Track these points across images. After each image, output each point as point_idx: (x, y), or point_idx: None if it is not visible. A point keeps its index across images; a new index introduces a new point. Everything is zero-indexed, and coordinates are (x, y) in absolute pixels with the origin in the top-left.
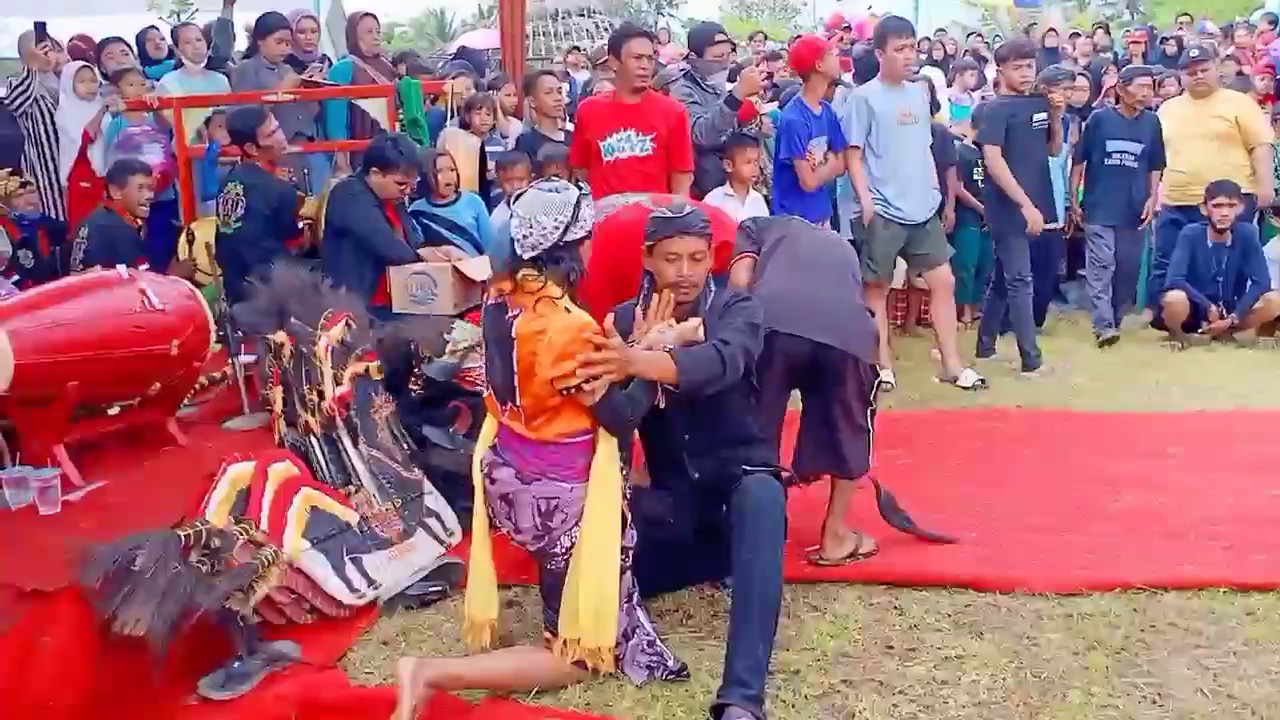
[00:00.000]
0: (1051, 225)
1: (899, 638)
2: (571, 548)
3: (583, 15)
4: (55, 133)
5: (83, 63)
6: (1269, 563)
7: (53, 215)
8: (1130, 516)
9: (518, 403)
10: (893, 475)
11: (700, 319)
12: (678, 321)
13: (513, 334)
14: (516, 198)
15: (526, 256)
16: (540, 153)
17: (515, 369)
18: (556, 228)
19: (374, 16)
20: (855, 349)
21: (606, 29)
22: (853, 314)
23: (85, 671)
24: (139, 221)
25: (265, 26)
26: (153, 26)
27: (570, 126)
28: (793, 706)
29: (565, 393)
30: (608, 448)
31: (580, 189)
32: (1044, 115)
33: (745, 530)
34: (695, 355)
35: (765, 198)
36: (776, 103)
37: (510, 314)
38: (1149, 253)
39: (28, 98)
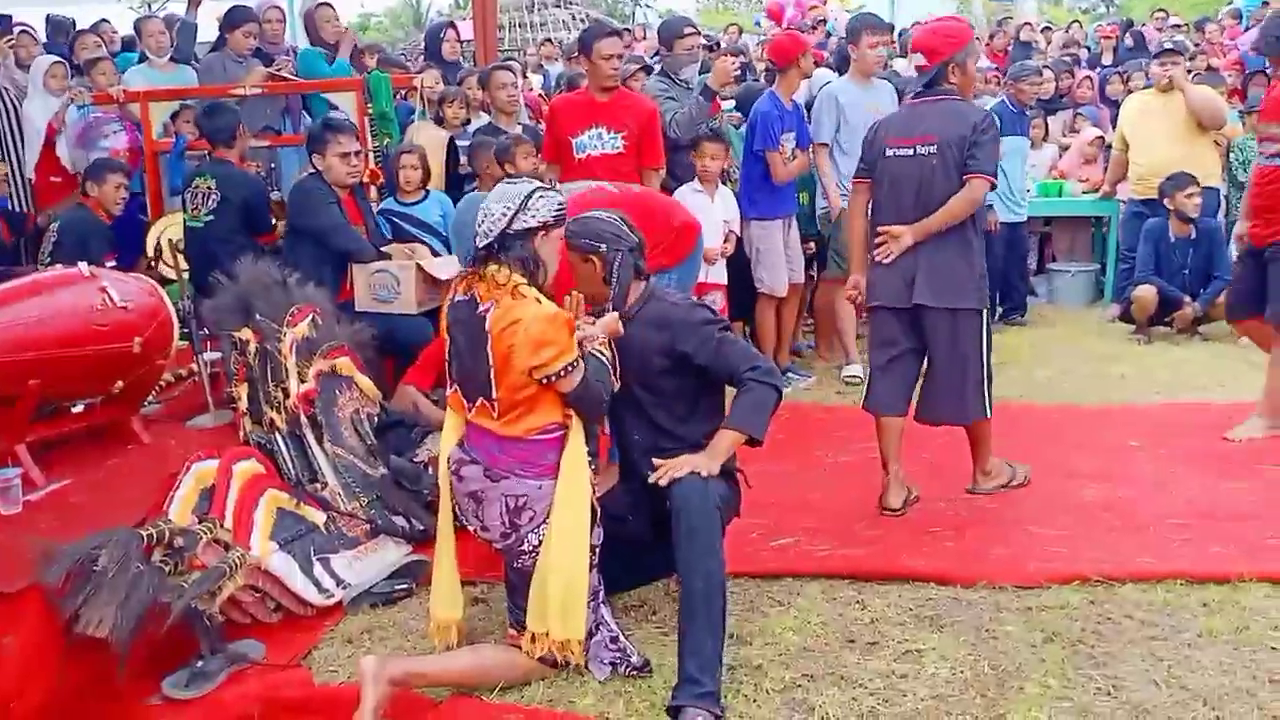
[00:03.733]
0: (1014, 219)
1: (860, 631)
2: (539, 546)
3: (558, 6)
4: (19, 125)
5: (55, 58)
6: (1226, 555)
7: (13, 207)
8: (1091, 509)
9: (492, 397)
10: (862, 469)
11: (617, 312)
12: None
13: (486, 328)
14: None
15: (481, 245)
16: (505, 137)
17: (491, 363)
18: (504, 215)
19: (330, 5)
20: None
21: (583, 20)
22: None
23: (48, 672)
24: (110, 218)
25: (233, 20)
26: (104, 20)
27: (527, 120)
28: (754, 701)
29: (545, 381)
30: (577, 441)
31: (544, 185)
32: None
33: (679, 528)
34: (755, 407)
35: (733, 193)
36: (733, 100)
37: (481, 309)
38: (1115, 247)
39: None
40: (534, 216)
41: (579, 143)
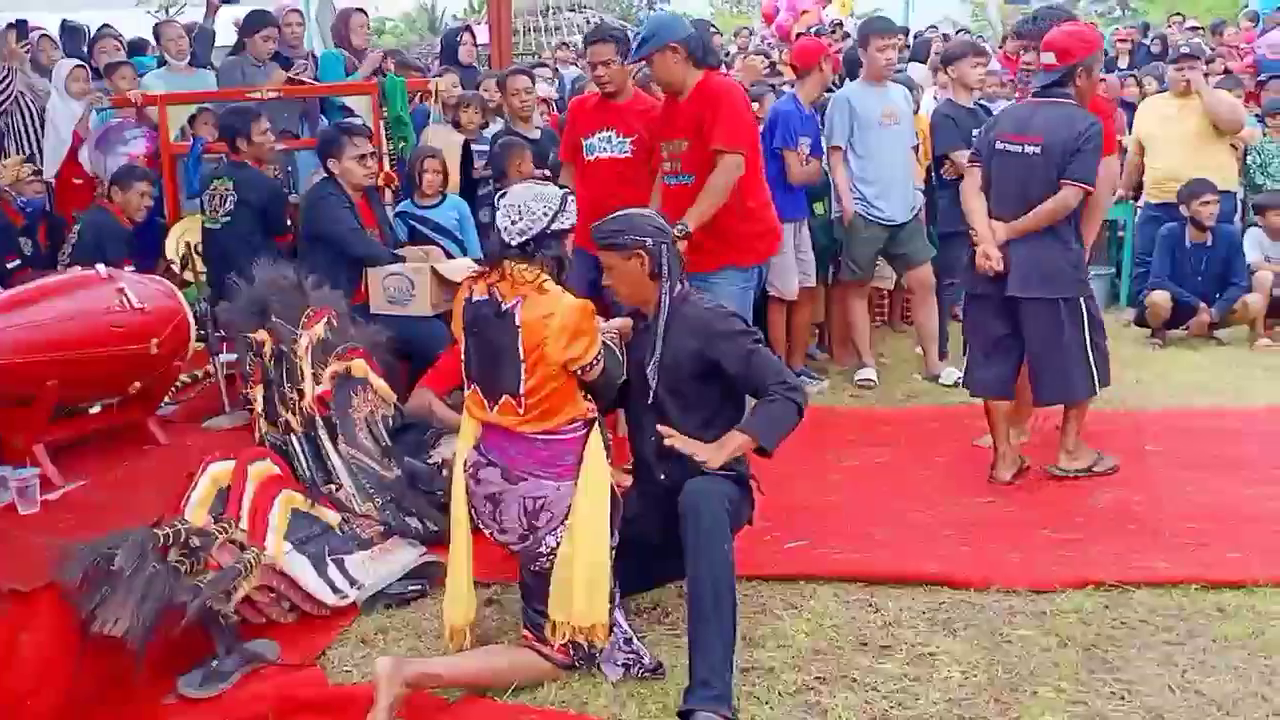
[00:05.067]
0: None
1: (874, 635)
2: (557, 548)
3: (574, 10)
4: (38, 130)
5: (77, 62)
6: (1241, 560)
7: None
8: (1105, 513)
9: (519, 393)
10: (875, 472)
11: (627, 317)
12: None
13: (517, 322)
14: (502, 194)
15: (514, 244)
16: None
17: (522, 357)
18: (546, 213)
19: (364, 12)
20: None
21: (597, 24)
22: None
23: (64, 670)
24: (132, 224)
25: (252, 25)
26: (106, 25)
27: (542, 123)
28: (767, 704)
29: (579, 371)
30: (596, 435)
31: (569, 188)
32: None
33: (688, 530)
34: (772, 418)
35: None
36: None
37: (507, 306)
38: (1130, 250)
39: (8, 96)
40: (568, 218)
41: (589, 144)
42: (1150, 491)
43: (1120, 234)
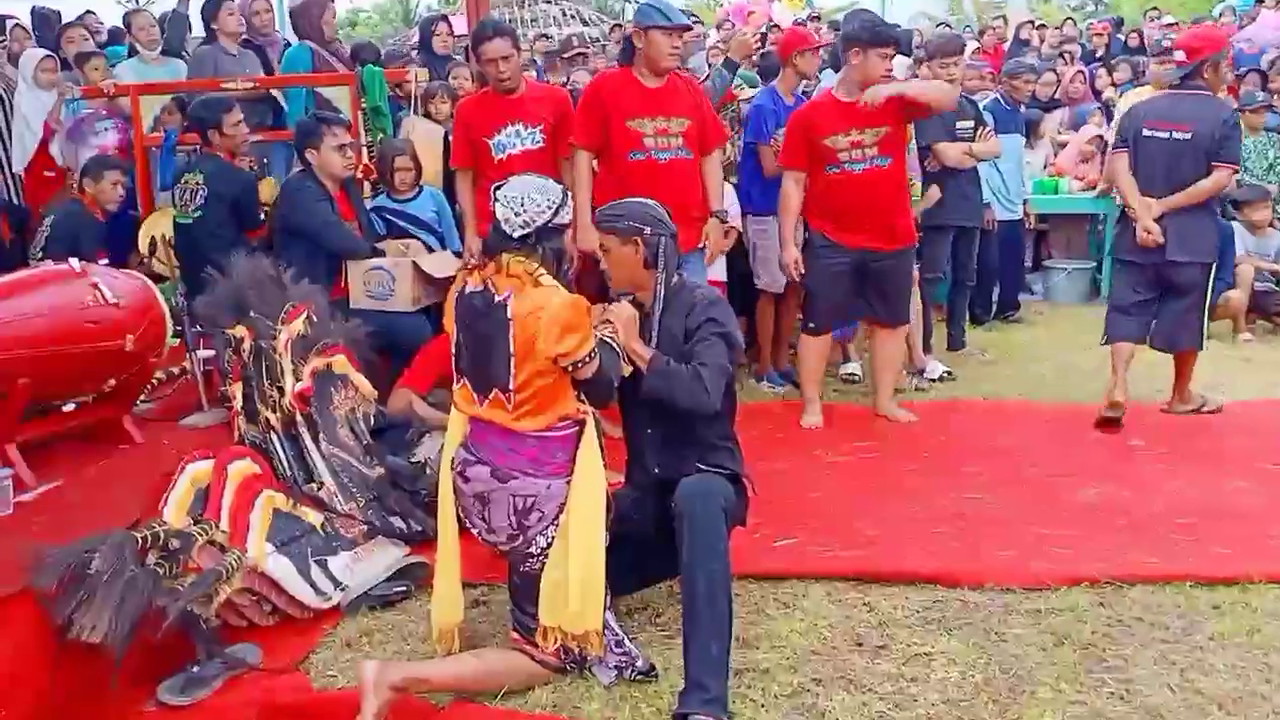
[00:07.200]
0: (1010, 217)
1: (868, 634)
2: (546, 548)
3: (549, 2)
4: (9, 121)
5: (46, 52)
6: (1234, 556)
7: (10, 199)
8: (1094, 509)
9: (509, 387)
10: (861, 467)
11: (626, 301)
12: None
13: (508, 315)
14: (498, 186)
15: (516, 235)
16: None
17: (512, 351)
18: (549, 206)
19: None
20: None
21: (573, 16)
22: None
23: (41, 678)
24: (105, 216)
25: (213, 6)
26: (89, 11)
27: None
28: (762, 706)
29: (570, 368)
30: (591, 434)
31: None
32: (969, 123)
33: (682, 530)
34: (676, 375)
35: (734, 185)
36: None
37: (500, 298)
38: (1111, 244)
39: None
40: (568, 213)
41: (497, 143)
42: (1137, 487)
43: (1101, 228)
